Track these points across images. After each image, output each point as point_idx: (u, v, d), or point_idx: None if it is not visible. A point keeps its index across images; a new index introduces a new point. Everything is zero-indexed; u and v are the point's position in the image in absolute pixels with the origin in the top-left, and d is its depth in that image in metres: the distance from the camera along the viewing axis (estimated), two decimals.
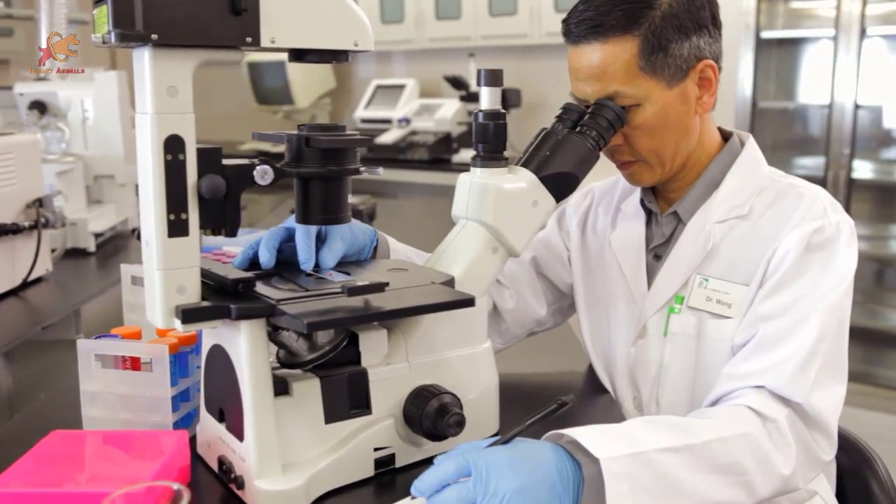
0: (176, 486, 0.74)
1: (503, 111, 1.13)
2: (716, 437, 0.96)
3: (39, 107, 2.50)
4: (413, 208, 3.65)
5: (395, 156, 4.38)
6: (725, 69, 1.24)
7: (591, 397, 1.36)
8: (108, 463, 0.97)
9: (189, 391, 1.14)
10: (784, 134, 3.89)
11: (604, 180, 1.45)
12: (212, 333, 1.01)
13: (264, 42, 0.91)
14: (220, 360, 0.99)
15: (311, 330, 0.90)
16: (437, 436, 1.02)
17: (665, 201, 1.31)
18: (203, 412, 1.06)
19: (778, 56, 3.74)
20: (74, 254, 2.28)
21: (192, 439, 1.08)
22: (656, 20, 1.14)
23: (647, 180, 1.26)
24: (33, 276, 1.97)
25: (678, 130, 1.21)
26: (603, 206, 1.41)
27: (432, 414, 1.02)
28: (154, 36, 0.84)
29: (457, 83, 4.31)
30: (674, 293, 1.23)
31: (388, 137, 4.47)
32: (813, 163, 3.63)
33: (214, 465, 1.03)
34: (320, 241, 1.11)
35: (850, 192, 3.40)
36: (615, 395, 1.33)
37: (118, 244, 2.46)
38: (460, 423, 1.02)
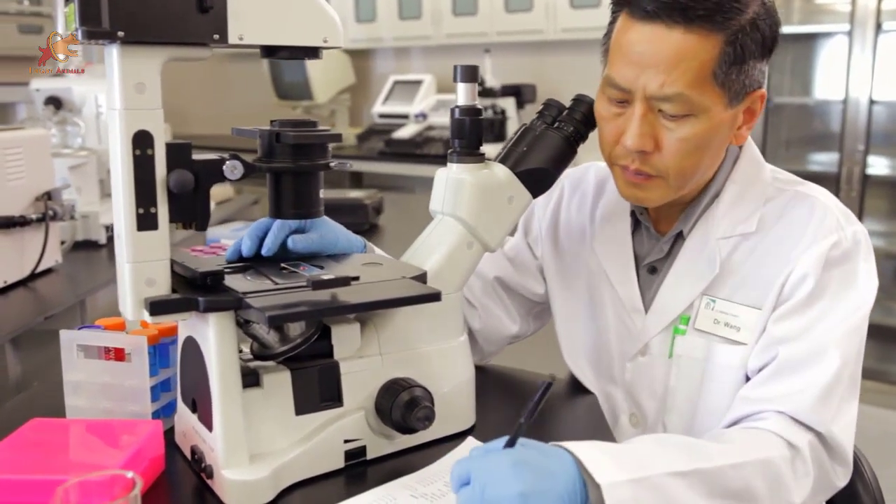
0: (129, 475, 0.76)
1: (479, 107, 1.14)
2: (730, 462, 0.93)
3: (55, 102, 2.55)
4: (427, 202, 3.64)
5: (412, 150, 4.40)
6: None
7: (575, 397, 1.33)
8: (80, 451, 0.99)
9: (170, 381, 1.16)
10: (799, 130, 3.85)
11: (573, 168, 1.33)
12: (186, 326, 1.03)
13: (232, 39, 0.92)
14: (192, 352, 1.00)
15: (273, 323, 0.91)
16: (407, 429, 1.04)
17: (663, 217, 1.22)
18: (179, 403, 1.08)
19: (794, 51, 3.70)
20: (86, 246, 2.33)
21: (173, 429, 1.11)
22: (746, 27, 1.03)
23: (653, 200, 1.13)
24: (42, 268, 2.02)
25: (713, 156, 1.11)
26: (576, 203, 1.33)
27: (402, 407, 1.03)
28: (120, 33, 0.86)
29: None
30: (679, 314, 1.17)
31: (405, 132, 4.49)
32: (827, 159, 3.60)
33: (189, 455, 1.05)
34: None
35: (864, 189, 3.37)
36: (607, 405, 1.28)
37: None
38: (429, 417, 1.03)
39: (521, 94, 4.32)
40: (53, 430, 1.02)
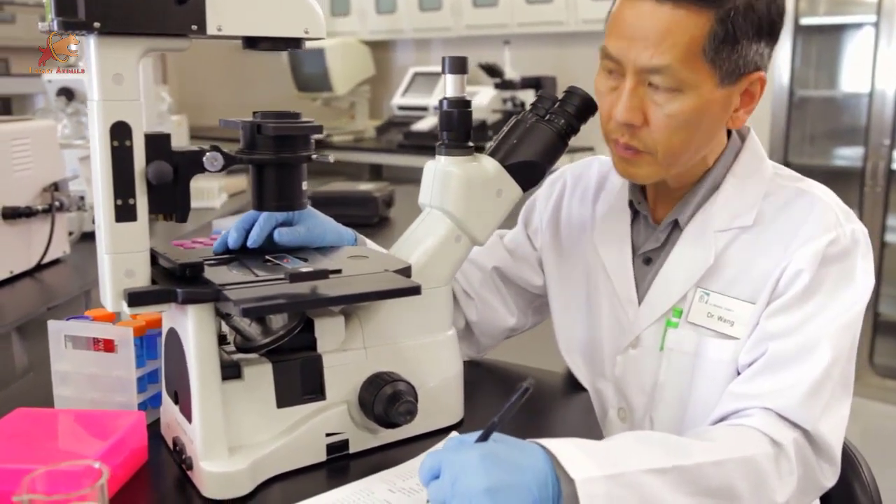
0: (96, 465, 0.76)
1: (468, 99, 1.13)
2: (711, 459, 0.92)
3: (67, 93, 2.58)
4: None
5: (431, 143, 4.37)
6: None
7: (570, 393, 1.32)
8: (60, 441, 0.99)
9: (158, 373, 1.16)
10: (823, 124, 3.78)
11: (576, 162, 1.36)
12: (169, 317, 1.03)
13: (210, 30, 0.92)
14: (174, 344, 1.00)
15: (247, 315, 0.91)
16: (389, 423, 1.03)
17: (660, 204, 1.21)
18: (163, 394, 1.08)
19: (819, 43, 3.64)
20: (94, 237, 2.33)
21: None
22: (739, 7, 1.02)
23: (643, 177, 1.13)
24: (49, 258, 2.03)
25: (705, 136, 1.10)
26: (577, 196, 1.32)
27: (384, 401, 1.02)
28: (97, 24, 0.86)
29: (491, 71, 4.29)
30: (672, 306, 1.15)
31: (424, 125, 4.47)
32: (852, 153, 3.54)
33: (171, 446, 1.05)
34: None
35: (889, 184, 3.30)
36: (598, 400, 1.27)
37: None
38: (411, 412, 1.02)
39: (540, 86, 4.27)
40: (37, 420, 1.02)
